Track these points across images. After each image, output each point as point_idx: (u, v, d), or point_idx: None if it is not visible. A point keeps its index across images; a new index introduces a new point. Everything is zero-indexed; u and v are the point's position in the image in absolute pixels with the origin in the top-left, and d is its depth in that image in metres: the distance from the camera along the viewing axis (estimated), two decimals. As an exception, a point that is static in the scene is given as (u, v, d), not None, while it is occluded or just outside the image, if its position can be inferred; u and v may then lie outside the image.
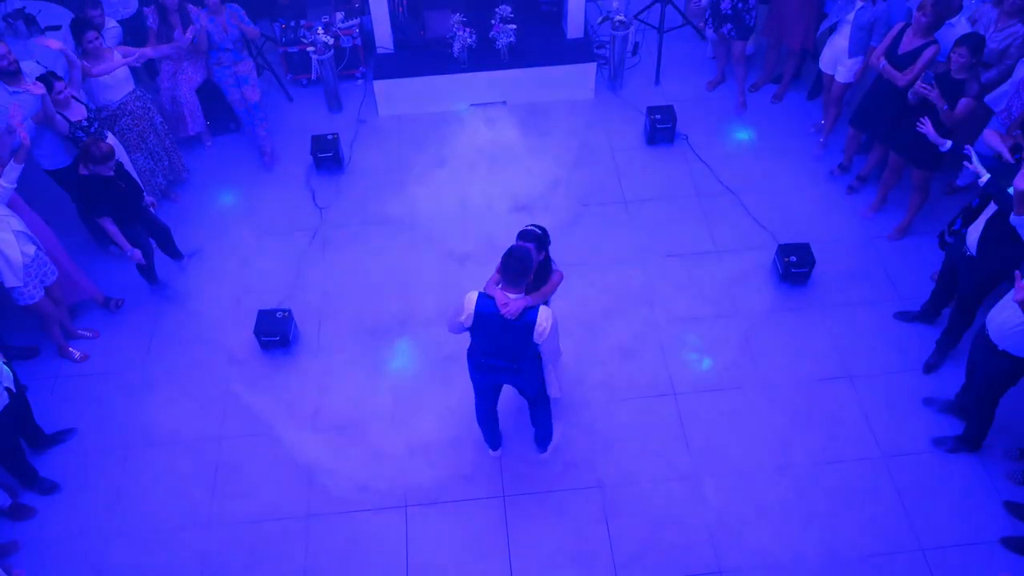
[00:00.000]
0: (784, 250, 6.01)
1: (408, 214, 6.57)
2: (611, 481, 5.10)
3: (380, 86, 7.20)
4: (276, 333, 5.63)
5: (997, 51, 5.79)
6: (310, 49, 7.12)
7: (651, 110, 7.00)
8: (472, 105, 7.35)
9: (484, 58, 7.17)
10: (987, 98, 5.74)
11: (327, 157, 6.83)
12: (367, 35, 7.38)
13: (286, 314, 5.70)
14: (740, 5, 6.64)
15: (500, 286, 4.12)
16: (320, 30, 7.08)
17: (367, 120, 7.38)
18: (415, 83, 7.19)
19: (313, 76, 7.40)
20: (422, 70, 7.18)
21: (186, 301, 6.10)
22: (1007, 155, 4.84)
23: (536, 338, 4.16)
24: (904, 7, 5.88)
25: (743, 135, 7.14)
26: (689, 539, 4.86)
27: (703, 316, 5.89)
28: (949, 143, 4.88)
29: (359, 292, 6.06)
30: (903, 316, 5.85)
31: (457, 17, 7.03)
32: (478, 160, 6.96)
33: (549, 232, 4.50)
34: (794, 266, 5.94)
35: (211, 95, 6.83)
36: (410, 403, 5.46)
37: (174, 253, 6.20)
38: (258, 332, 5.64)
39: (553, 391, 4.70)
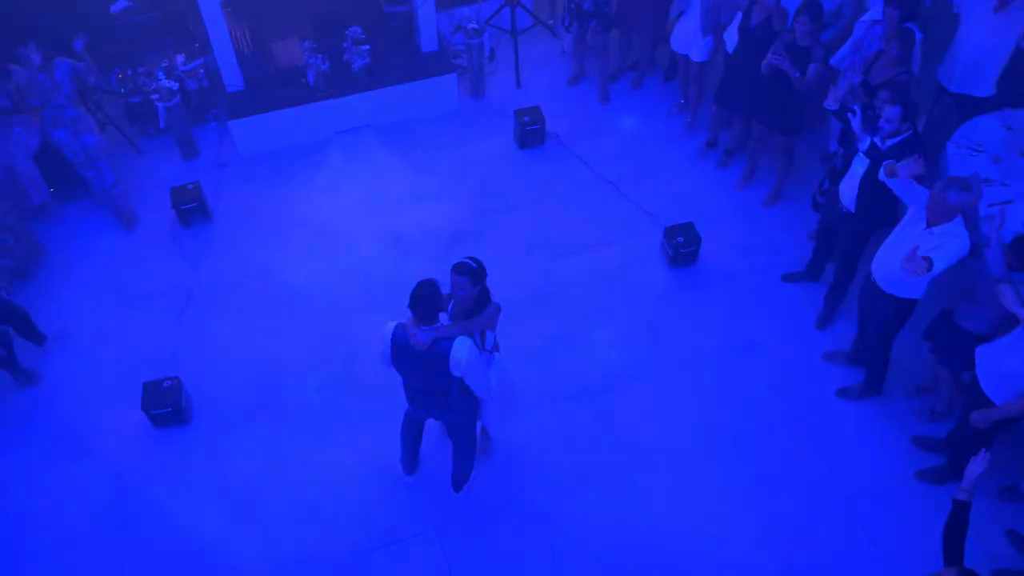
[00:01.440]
0: (670, 232, 6.11)
1: (289, 257, 6.29)
2: (543, 495, 5.01)
3: (236, 126, 6.86)
4: (167, 404, 5.24)
5: (832, 12, 6.09)
6: (154, 97, 6.71)
7: (518, 113, 6.98)
8: (337, 132, 7.13)
9: (341, 83, 6.96)
10: (832, 60, 6.01)
11: (191, 208, 6.44)
12: (214, 75, 7.02)
13: (175, 382, 5.32)
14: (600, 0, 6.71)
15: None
16: (162, 76, 6.68)
17: (228, 163, 7.01)
18: (273, 118, 6.89)
19: (162, 125, 6.97)
20: (278, 103, 6.89)
21: (60, 387, 5.61)
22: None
23: (453, 370, 4.00)
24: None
25: (611, 125, 7.22)
26: (632, 538, 4.83)
27: (603, 309, 5.91)
28: (837, 104, 5.06)
29: (249, 349, 5.74)
30: (790, 277, 6.06)
31: (307, 44, 6.79)
32: (352, 189, 6.76)
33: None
34: (682, 247, 6.05)
35: (51, 159, 6.30)
36: (318, 458, 5.20)
37: (36, 337, 5.69)
38: (147, 406, 5.24)
39: (492, 429, 4.59)
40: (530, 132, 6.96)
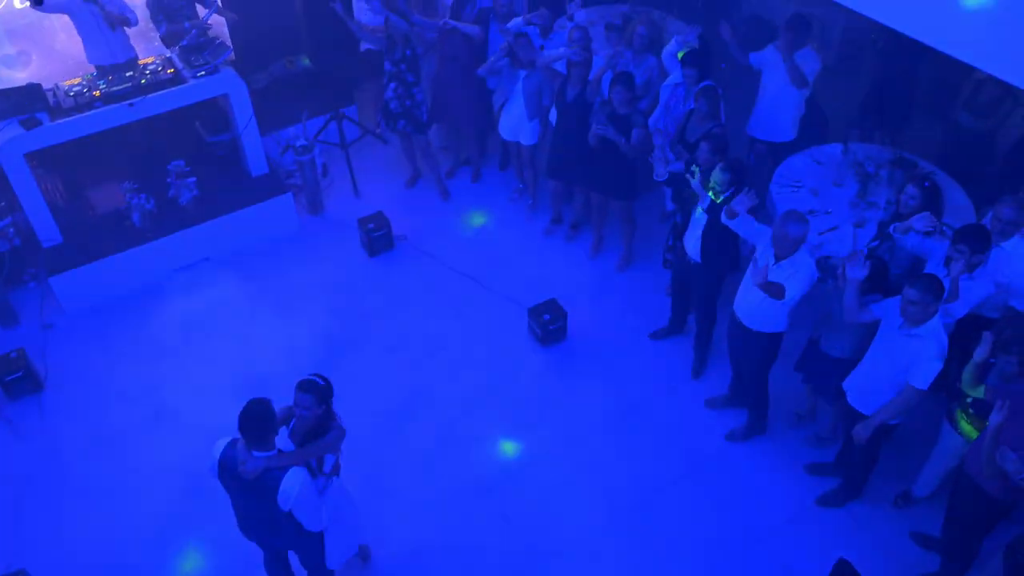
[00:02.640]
0: (534, 312, 6.12)
1: (136, 419, 5.74)
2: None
3: (58, 282, 6.33)
4: (14, 604, 4.55)
5: (643, 83, 6.47)
6: (-43, 267, 6.10)
7: (362, 221, 6.88)
8: (172, 272, 6.73)
9: (171, 219, 6.62)
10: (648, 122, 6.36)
11: (17, 379, 5.80)
12: (26, 232, 6.48)
13: (21, 575, 4.64)
14: (408, 103, 6.80)
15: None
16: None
17: (55, 323, 6.42)
18: (99, 268, 6.41)
19: (-30, 296, 6.33)
20: (103, 251, 6.42)
21: None
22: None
23: (282, 504, 3.67)
24: (562, 66, 6.36)
25: (456, 220, 7.26)
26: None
27: (482, 401, 5.78)
28: (665, 174, 5.28)
29: (101, 529, 5.12)
30: (657, 335, 6.19)
31: (127, 185, 6.43)
32: (196, 329, 6.33)
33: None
34: (549, 324, 6.06)
35: None
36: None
37: None
38: (-10, 612, 4.53)
39: (333, 561, 4.22)
40: (376, 238, 6.86)
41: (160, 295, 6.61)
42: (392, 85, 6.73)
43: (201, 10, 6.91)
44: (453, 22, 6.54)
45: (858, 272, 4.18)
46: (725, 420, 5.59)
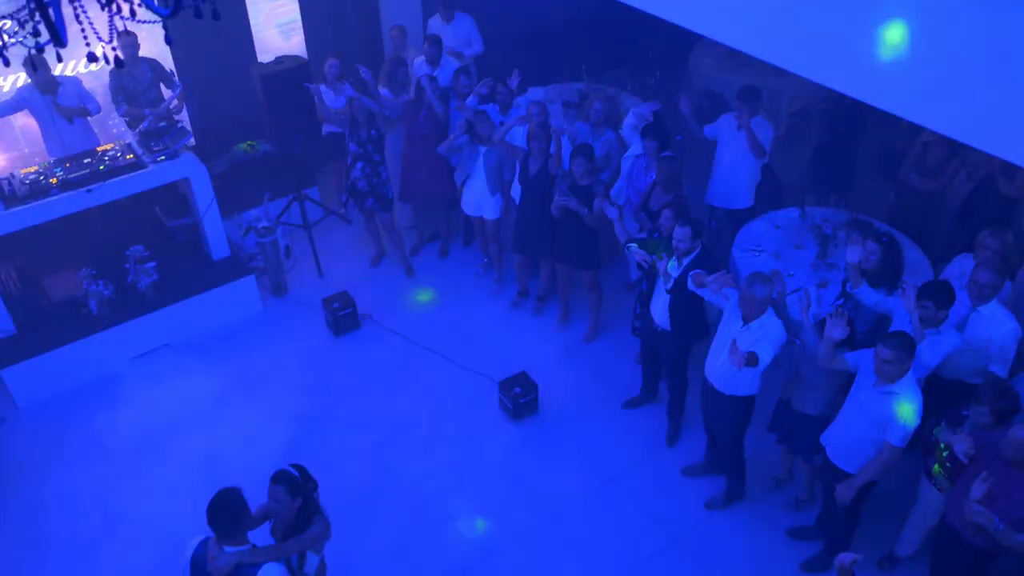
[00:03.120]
0: (505, 385, 6.04)
1: (94, 522, 5.45)
2: None
3: (10, 374, 6.11)
4: None
5: (603, 156, 6.59)
6: (-96, 363, 5.86)
7: (326, 301, 6.80)
8: (131, 360, 6.55)
9: (129, 305, 6.47)
10: (611, 194, 6.45)
11: (-35, 478, 5.54)
12: (-24, 325, 6.30)
13: None
14: (375, 181, 6.84)
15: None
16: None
17: (7, 418, 6.16)
18: (54, 358, 6.22)
19: (-83, 393, 6.07)
20: (59, 341, 6.24)
21: None
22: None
23: None
24: (522, 139, 6.47)
25: (423, 297, 7.22)
26: None
27: (457, 478, 5.63)
28: (636, 256, 5.32)
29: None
30: (629, 404, 6.13)
31: (84, 272, 6.30)
32: (157, 420, 6.11)
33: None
34: (520, 397, 5.97)
35: None
36: None
37: None
38: None
39: None
40: (342, 318, 6.78)
41: (119, 384, 6.41)
42: (359, 165, 6.77)
43: (166, 92, 6.93)
44: (426, 82, 6.61)
45: (837, 332, 4.22)
46: (703, 488, 5.50)
